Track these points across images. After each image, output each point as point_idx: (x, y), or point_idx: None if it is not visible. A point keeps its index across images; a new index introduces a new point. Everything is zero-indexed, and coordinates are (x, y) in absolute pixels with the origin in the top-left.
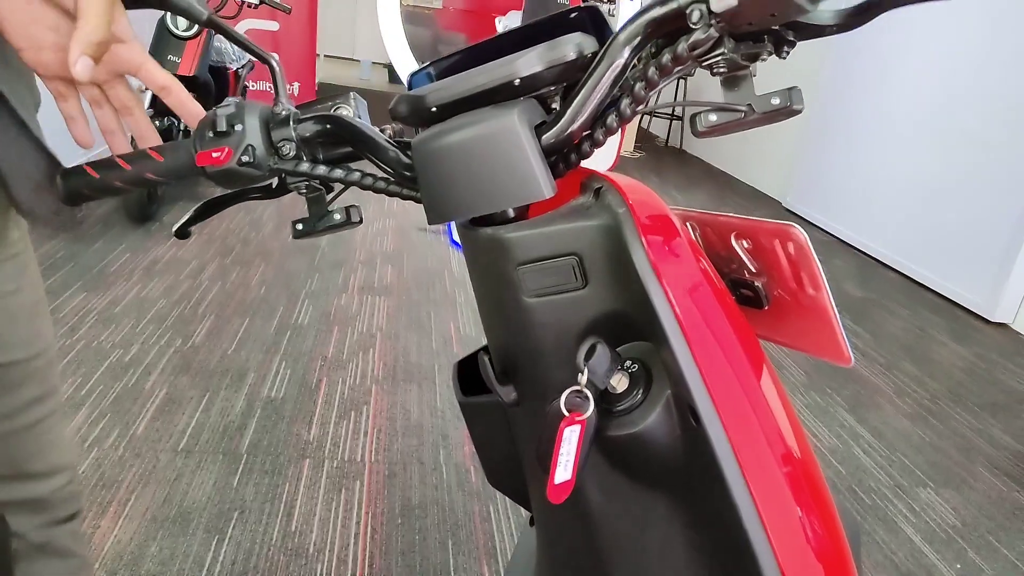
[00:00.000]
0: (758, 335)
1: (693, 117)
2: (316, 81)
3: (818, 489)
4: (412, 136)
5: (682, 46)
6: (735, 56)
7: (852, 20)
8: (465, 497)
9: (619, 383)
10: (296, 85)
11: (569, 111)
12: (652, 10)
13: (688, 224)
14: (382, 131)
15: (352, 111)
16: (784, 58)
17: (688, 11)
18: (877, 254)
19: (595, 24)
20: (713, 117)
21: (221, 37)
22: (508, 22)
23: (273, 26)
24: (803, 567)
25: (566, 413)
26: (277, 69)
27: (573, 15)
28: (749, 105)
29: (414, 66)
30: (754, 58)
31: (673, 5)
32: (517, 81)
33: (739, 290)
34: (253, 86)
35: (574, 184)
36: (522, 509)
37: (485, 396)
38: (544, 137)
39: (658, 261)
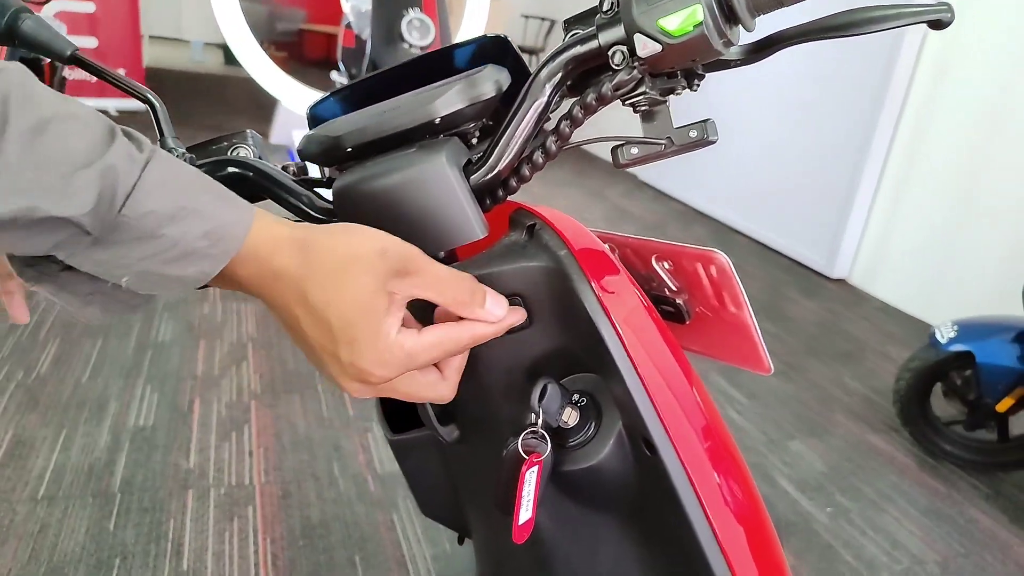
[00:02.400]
0: (681, 347)
1: (614, 150)
2: (143, 66)
3: (744, 476)
4: (313, 172)
5: (606, 86)
6: (654, 93)
7: (753, 56)
8: (367, 508)
9: (570, 418)
10: (121, 71)
11: (495, 151)
12: (572, 49)
13: (608, 246)
14: (284, 169)
15: (251, 151)
16: (695, 91)
17: (610, 53)
18: (730, 221)
19: (502, 53)
20: (635, 150)
21: (34, 22)
22: (356, 2)
23: (88, 7)
24: (751, 570)
25: (524, 456)
26: (159, 108)
27: (481, 44)
28: (668, 138)
29: (254, 46)
30: (670, 92)
31: (593, 45)
32: (437, 120)
33: (660, 306)
34: (70, 75)
35: (500, 217)
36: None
37: (416, 432)
38: (473, 178)
39: (607, 302)
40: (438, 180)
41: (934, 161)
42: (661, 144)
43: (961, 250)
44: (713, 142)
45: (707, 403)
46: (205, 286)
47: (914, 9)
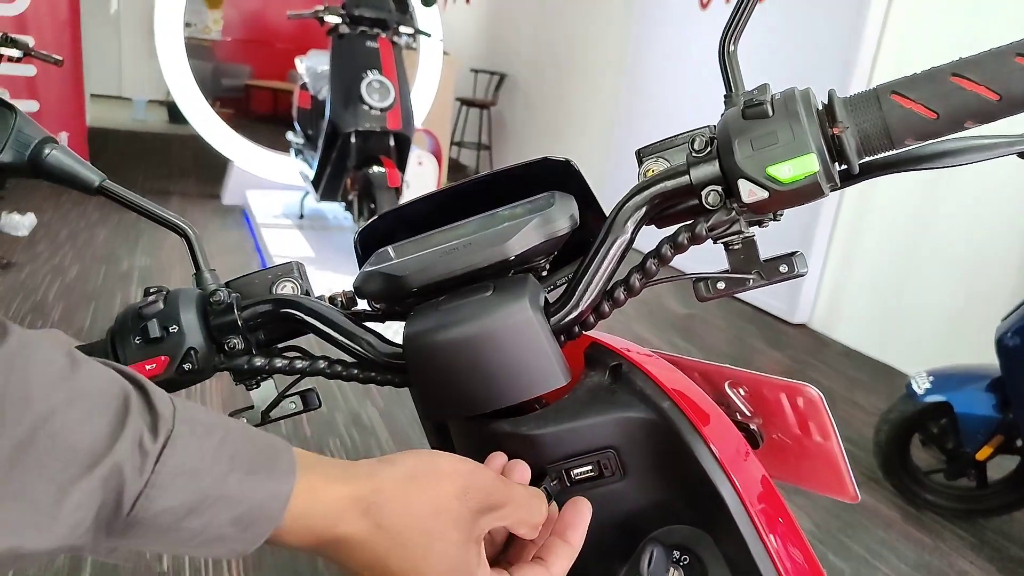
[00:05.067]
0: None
1: (697, 283)
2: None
3: None
4: (360, 303)
5: (700, 227)
6: (745, 229)
7: (843, 183)
8: None
9: None
10: (64, 135)
11: (577, 292)
12: (659, 184)
13: None
14: (332, 301)
15: (298, 285)
16: (779, 220)
17: (704, 193)
18: (689, 270)
19: (563, 176)
20: (720, 284)
21: (61, 153)
22: (311, 63)
23: (30, 71)
24: None
25: None
26: (193, 238)
27: (542, 165)
28: (757, 272)
29: (203, 105)
30: (756, 224)
31: (683, 181)
32: (512, 258)
33: None
34: None
35: (573, 352)
36: None
37: None
38: (553, 320)
39: (724, 459)
40: (522, 328)
41: (884, 206)
42: (749, 279)
43: (914, 292)
44: (803, 274)
45: (807, 546)
46: None
47: (1008, 139)
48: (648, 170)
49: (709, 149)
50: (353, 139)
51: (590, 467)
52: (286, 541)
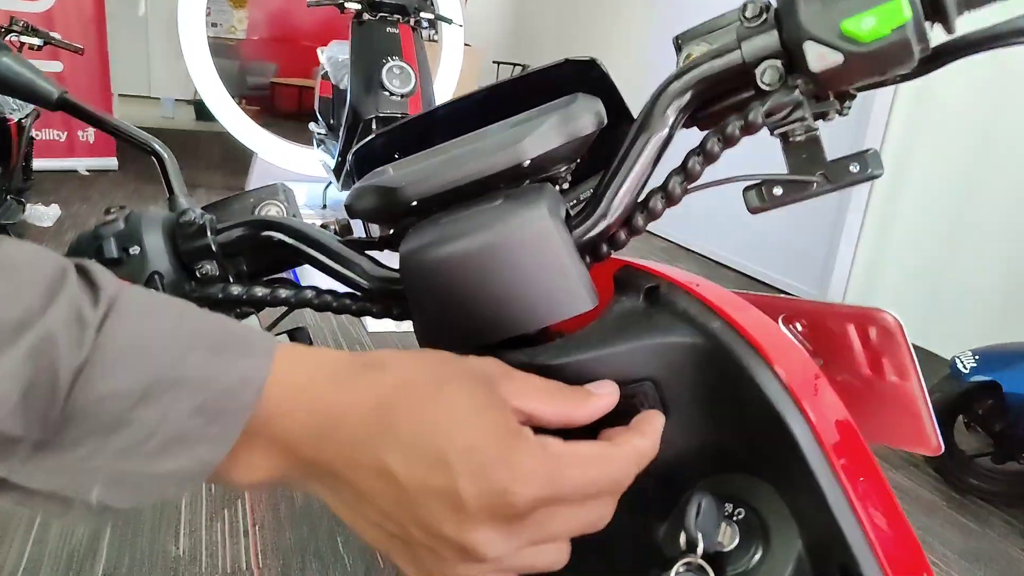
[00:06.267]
0: None
1: (748, 190)
2: None
3: None
4: (359, 226)
5: (754, 112)
6: (810, 119)
7: (920, 68)
8: None
9: (726, 537)
10: (91, 131)
11: (604, 200)
12: (704, 64)
13: None
14: (324, 228)
15: (283, 208)
16: (845, 115)
17: (759, 70)
18: (717, 256)
19: (589, 80)
20: (778, 190)
21: (14, 61)
22: (332, 52)
23: (56, 67)
24: None
25: None
26: (167, 160)
27: (563, 69)
28: (823, 175)
29: (228, 101)
30: (820, 117)
31: (734, 58)
32: (526, 163)
33: None
34: (38, 135)
35: (601, 277)
36: None
37: None
38: (575, 233)
39: (795, 386)
40: (538, 238)
41: (921, 184)
42: (814, 182)
43: (954, 272)
44: (878, 176)
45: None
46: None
47: None
48: (689, 54)
49: (765, 16)
50: (374, 125)
51: (623, 404)
52: (268, 433)
